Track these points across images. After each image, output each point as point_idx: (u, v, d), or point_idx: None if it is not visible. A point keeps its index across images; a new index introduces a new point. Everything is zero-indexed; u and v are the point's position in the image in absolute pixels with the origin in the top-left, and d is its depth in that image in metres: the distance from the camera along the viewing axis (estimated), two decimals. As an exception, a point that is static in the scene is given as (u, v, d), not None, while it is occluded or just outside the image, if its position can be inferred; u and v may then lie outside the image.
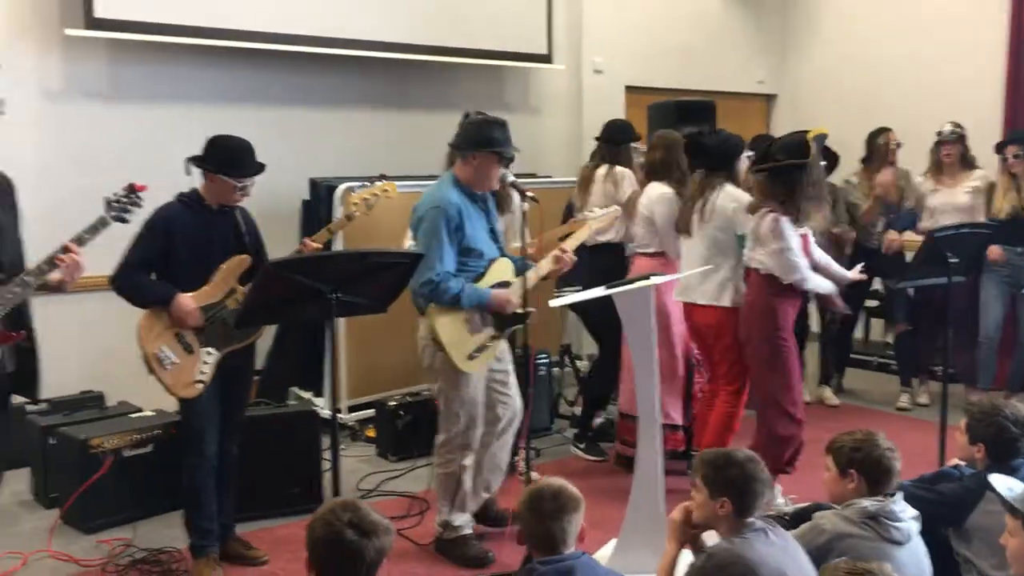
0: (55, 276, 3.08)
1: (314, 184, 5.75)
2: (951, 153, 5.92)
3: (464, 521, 4.02)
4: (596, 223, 4.37)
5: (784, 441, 4.26)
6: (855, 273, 4.54)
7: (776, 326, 4.19)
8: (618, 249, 5.18)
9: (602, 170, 5.17)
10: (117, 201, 3.24)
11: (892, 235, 6.03)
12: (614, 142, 5.23)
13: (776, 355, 4.21)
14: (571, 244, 4.13)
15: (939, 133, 5.98)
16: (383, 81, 6.32)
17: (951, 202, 5.89)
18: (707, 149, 4.63)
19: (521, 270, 3.93)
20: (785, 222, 4.10)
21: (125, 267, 3.60)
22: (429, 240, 3.77)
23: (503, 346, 4.07)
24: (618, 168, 5.13)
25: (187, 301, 3.58)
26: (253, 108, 5.70)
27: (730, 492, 2.63)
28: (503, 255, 4.02)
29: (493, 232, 3.99)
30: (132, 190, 3.28)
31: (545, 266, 4.04)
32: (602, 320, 5.23)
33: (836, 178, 6.14)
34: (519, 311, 3.83)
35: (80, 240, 3.10)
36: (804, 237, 4.23)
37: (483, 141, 3.84)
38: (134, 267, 3.60)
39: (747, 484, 2.63)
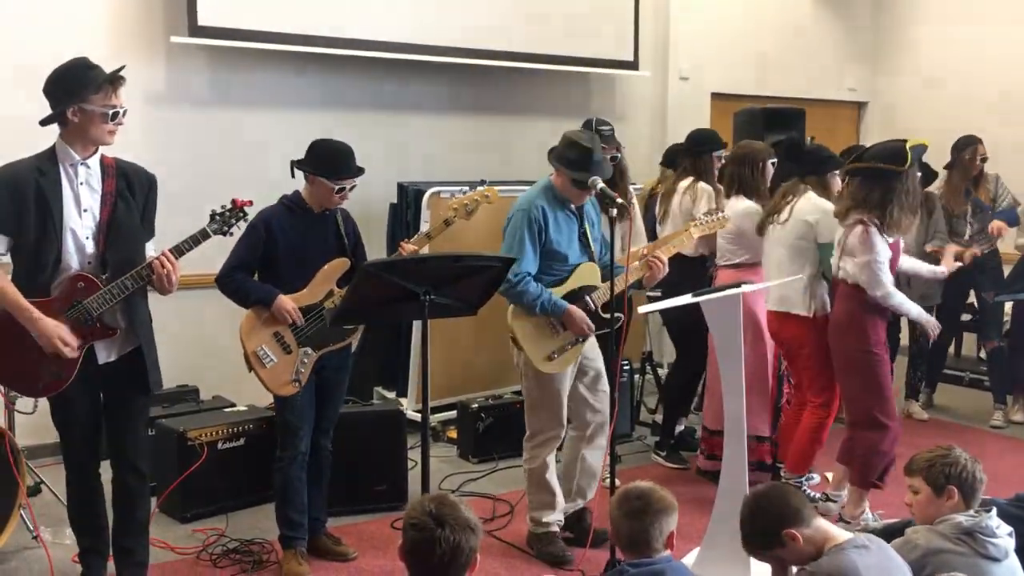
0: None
1: (402, 188, 5.86)
2: None
3: (552, 519, 4.05)
4: (698, 231, 4.29)
5: (879, 455, 4.18)
6: (947, 266, 4.52)
7: (866, 339, 4.11)
8: (697, 261, 5.10)
9: (684, 183, 5.13)
10: (220, 215, 3.36)
11: (997, 223, 5.82)
12: (691, 153, 5.20)
13: (867, 368, 4.13)
14: (666, 252, 4.09)
15: None
16: (471, 87, 6.41)
17: None
18: (801, 154, 4.58)
19: (610, 276, 3.91)
20: (874, 232, 4.01)
21: (229, 268, 3.74)
22: (511, 241, 3.85)
23: (592, 347, 4.06)
24: (701, 184, 5.08)
25: (287, 302, 3.70)
26: (344, 113, 5.83)
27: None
28: (591, 260, 4.00)
29: (584, 237, 3.97)
30: (235, 205, 3.39)
31: (635, 273, 4.02)
32: (679, 326, 5.21)
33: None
34: (604, 316, 3.81)
35: (179, 251, 3.20)
36: (894, 244, 4.14)
37: (561, 159, 3.85)
38: (237, 268, 3.73)
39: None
